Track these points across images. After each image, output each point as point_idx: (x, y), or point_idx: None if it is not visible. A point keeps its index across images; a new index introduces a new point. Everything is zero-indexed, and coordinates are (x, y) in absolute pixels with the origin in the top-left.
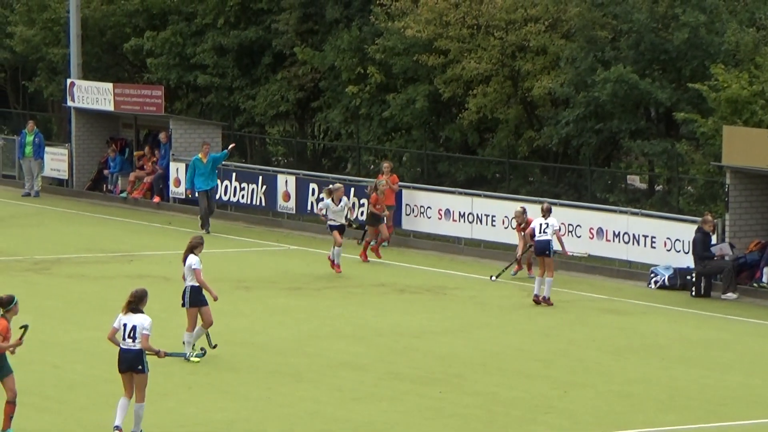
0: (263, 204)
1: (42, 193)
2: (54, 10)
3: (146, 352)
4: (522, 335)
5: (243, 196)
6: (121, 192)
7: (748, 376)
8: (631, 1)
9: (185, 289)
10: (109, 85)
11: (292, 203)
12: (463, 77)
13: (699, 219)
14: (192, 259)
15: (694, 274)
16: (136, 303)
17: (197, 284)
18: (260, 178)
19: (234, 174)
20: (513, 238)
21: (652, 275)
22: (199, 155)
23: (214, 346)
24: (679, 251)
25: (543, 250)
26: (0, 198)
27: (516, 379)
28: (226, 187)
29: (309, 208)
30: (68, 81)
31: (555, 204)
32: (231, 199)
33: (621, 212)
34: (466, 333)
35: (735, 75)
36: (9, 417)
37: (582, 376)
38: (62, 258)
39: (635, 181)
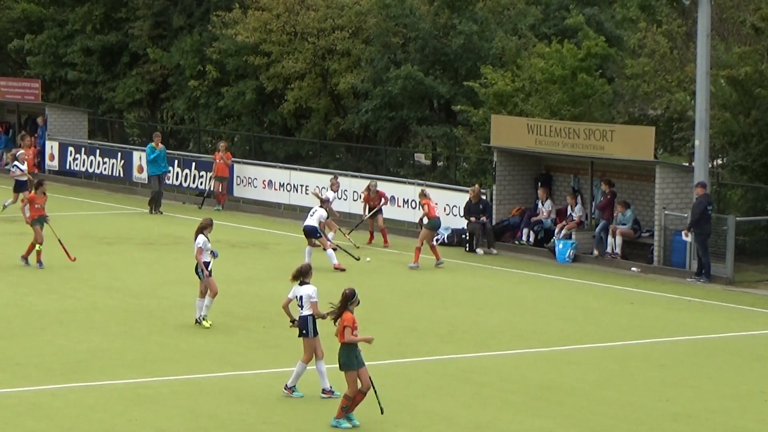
0: (121, 175)
1: None
2: None
3: (316, 316)
4: (331, 281)
5: (105, 169)
6: (6, 164)
7: (510, 315)
8: (417, 13)
9: (196, 265)
10: None
11: (144, 175)
12: (282, 74)
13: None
14: (199, 239)
15: (466, 234)
16: (301, 276)
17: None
18: (119, 154)
19: (98, 151)
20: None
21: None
22: (152, 143)
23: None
24: (456, 215)
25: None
26: None
27: None
28: (92, 161)
29: None
30: None
31: (357, 176)
32: (96, 171)
33: (409, 183)
34: (285, 280)
35: (501, 74)
36: (351, 405)
37: (377, 314)
38: None
39: (421, 158)
